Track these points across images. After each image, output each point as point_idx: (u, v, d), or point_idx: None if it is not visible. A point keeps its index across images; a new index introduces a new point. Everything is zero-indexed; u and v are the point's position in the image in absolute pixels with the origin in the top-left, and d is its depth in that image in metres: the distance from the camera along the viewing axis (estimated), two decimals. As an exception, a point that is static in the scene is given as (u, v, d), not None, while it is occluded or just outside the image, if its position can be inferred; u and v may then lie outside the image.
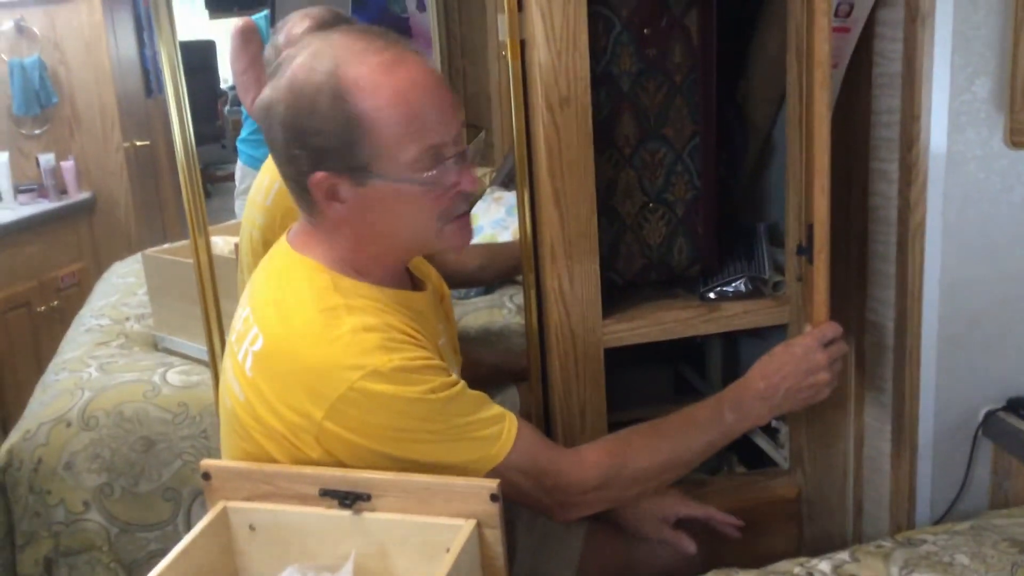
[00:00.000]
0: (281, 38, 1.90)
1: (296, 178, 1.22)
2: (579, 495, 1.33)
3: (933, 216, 1.62)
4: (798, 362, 1.45)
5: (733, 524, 1.60)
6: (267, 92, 1.21)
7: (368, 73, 1.16)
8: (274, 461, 1.21)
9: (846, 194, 1.77)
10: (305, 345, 1.17)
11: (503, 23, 1.72)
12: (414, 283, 1.39)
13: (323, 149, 1.18)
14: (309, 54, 1.19)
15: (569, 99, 1.66)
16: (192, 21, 6.02)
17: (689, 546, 1.53)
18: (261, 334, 1.20)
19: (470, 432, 1.23)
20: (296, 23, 1.92)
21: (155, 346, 2.47)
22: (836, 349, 1.48)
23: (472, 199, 1.29)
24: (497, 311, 2.45)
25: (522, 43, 1.71)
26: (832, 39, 1.45)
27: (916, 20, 1.56)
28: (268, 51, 1.93)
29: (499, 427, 1.25)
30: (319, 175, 1.19)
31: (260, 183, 2.06)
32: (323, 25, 1.88)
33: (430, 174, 1.20)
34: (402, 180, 1.19)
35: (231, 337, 1.26)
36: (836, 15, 1.54)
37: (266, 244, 1.96)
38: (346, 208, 1.22)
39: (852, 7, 1.54)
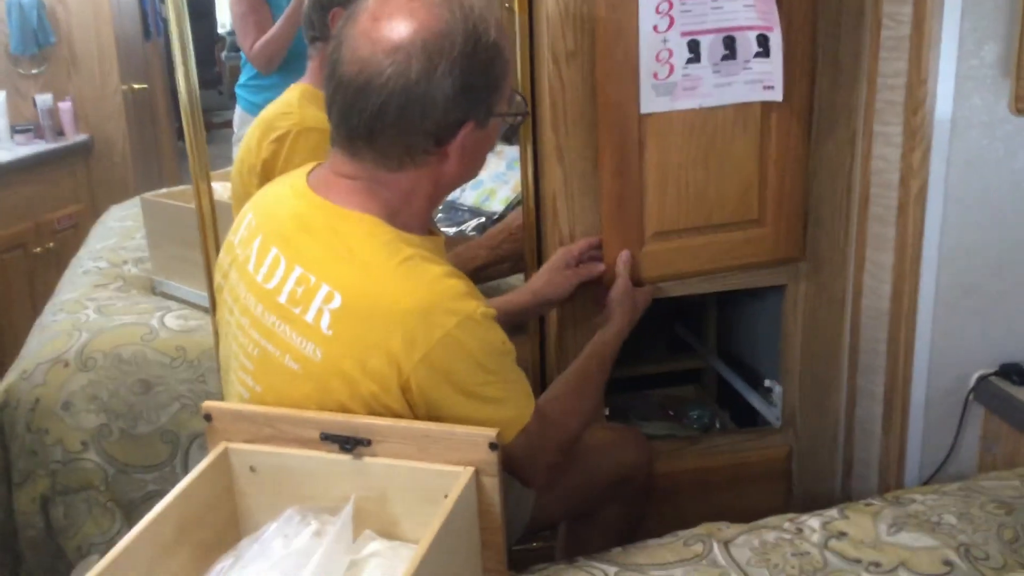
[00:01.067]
0: None
1: (426, 137, 1.19)
2: (562, 453, 1.38)
3: (935, 181, 1.63)
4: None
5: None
6: (393, 55, 1.15)
7: (497, 19, 1.21)
8: (348, 411, 1.20)
9: (849, 157, 1.77)
10: (395, 294, 1.15)
11: (511, -26, 1.71)
12: (433, 228, 1.40)
13: (483, 100, 1.20)
14: (448, 8, 1.16)
15: (575, 53, 1.65)
16: (191, -36, 5.93)
17: (598, 267, 1.72)
18: (337, 291, 1.16)
19: (523, 385, 1.26)
20: None
21: (152, 290, 2.48)
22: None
23: None
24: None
25: (529, -5, 1.70)
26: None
27: (926, -17, 1.55)
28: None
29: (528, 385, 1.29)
30: (468, 126, 1.20)
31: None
32: None
33: (517, 105, 1.29)
34: (505, 117, 1.26)
35: (277, 298, 1.21)
36: None
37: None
38: (455, 158, 1.22)
39: None
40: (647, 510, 1.75)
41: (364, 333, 1.15)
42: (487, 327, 1.19)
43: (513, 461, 1.27)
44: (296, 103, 1.90)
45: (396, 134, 1.18)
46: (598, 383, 1.56)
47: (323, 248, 1.21)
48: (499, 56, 1.20)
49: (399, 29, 1.14)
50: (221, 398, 1.63)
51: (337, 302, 1.16)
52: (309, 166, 1.32)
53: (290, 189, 1.29)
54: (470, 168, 1.28)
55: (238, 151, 2.01)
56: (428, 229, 1.31)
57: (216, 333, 1.83)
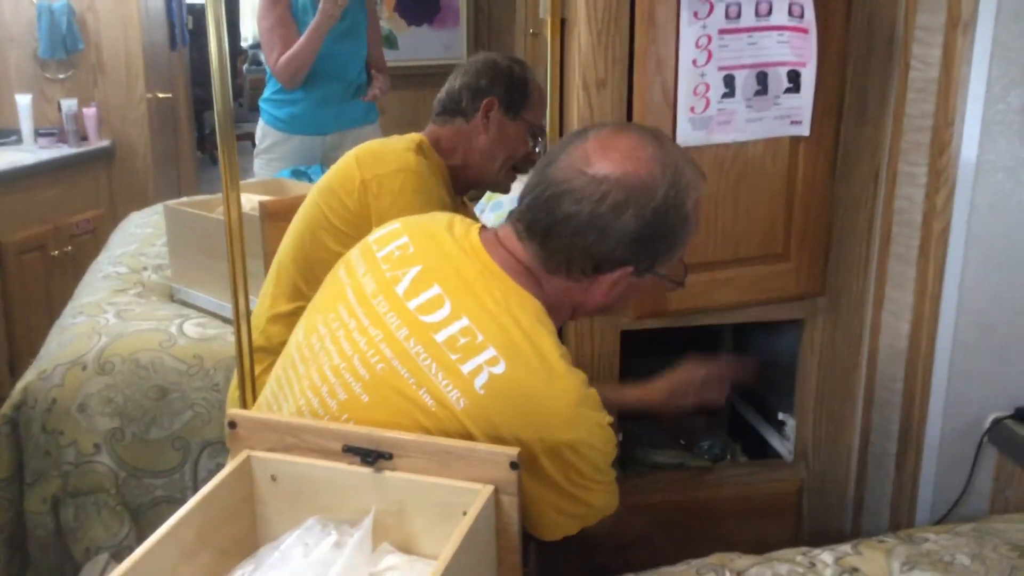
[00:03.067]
0: None
1: (588, 260, 1.28)
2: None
3: (958, 223, 1.64)
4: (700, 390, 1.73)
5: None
6: (599, 184, 1.25)
7: (699, 198, 1.31)
8: None
9: (872, 195, 1.79)
10: (554, 387, 1.23)
11: (544, 0, 1.74)
12: None
13: (648, 253, 1.29)
14: (658, 162, 1.27)
15: (606, 81, 1.67)
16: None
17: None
18: (504, 359, 1.22)
19: (614, 487, 1.35)
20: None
21: (171, 297, 2.49)
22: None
23: None
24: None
25: (562, 22, 1.73)
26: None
27: (957, 27, 1.57)
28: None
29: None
30: (627, 269, 1.29)
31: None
32: None
33: (680, 276, 1.38)
34: (666, 278, 1.35)
35: (433, 335, 1.25)
36: (790, 14, 1.57)
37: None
38: (603, 290, 1.31)
39: (803, 9, 1.57)
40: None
41: (511, 408, 1.21)
42: (611, 437, 1.28)
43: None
44: (413, 147, 1.83)
45: (566, 245, 1.28)
46: None
47: (494, 314, 1.27)
48: (684, 227, 1.29)
49: (615, 163, 1.25)
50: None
51: (500, 368, 1.22)
52: (474, 224, 1.39)
53: (461, 241, 1.35)
54: (611, 307, 1.37)
55: (329, 171, 1.90)
56: None
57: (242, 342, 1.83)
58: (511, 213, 1.34)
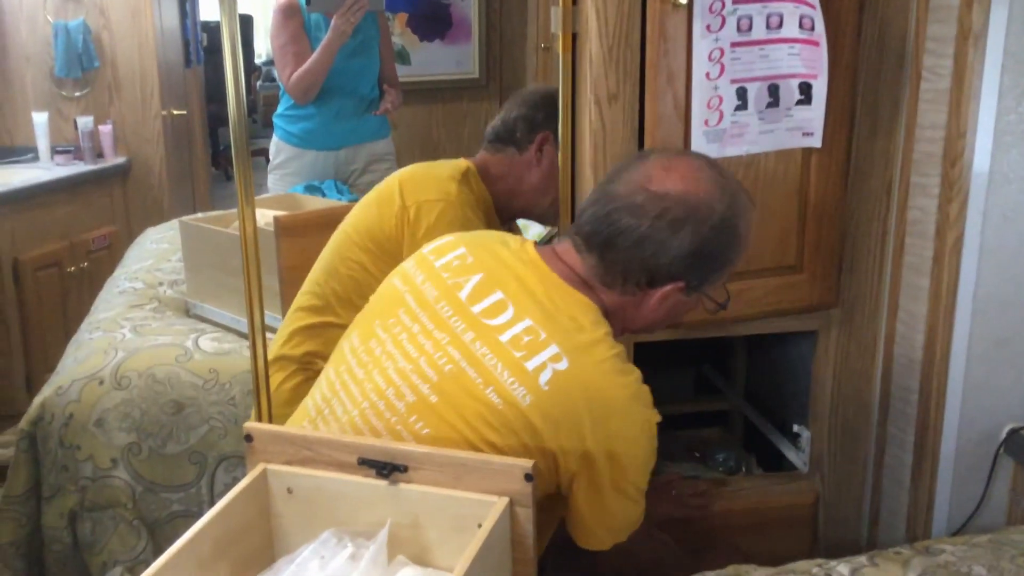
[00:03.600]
0: None
1: (650, 275, 1.34)
2: None
3: (971, 233, 1.64)
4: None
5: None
6: (663, 200, 1.32)
7: (751, 220, 1.39)
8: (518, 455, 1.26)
9: (885, 206, 1.79)
10: (611, 382, 1.29)
11: (556, 15, 1.74)
12: None
13: (701, 270, 1.35)
14: (720, 188, 1.34)
15: (617, 95, 1.68)
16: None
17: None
18: (566, 356, 1.28)
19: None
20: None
21: (187, 312, 2.51)
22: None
23: None
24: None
25: (573, 36, 1.73)
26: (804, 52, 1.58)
27: (968, 39, 1.58)
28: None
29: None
30: (679, 284, 1.35)
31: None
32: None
33: (725, 301, 1.45)
34: (711, 299, 1.42)
35: (498, 336, 1.30)
36: (801, 27, 1.58)
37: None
38: (654, 305, 1.38)
39: (814, 21, 1.58)
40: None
41: (574, 403, 1.27)
42: (655, 438, 1.33)
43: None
44: (459, 176, 1.82)
45: (623, 258, 1.34)
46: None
47: (555, 316, 1.33)
48: (736, 246, 1.36)
49: (676, 182, 1.32)
50: (249, 419, 1.65)
51: (564, 365, 1.27)
52: (528, 240, 1.46)
53: (517, 253, 1.41)
54: (658, 322, 1.43)
55: (372, 191, 1.89)
56: None
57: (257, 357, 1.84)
58: (570, 228, 1.42)
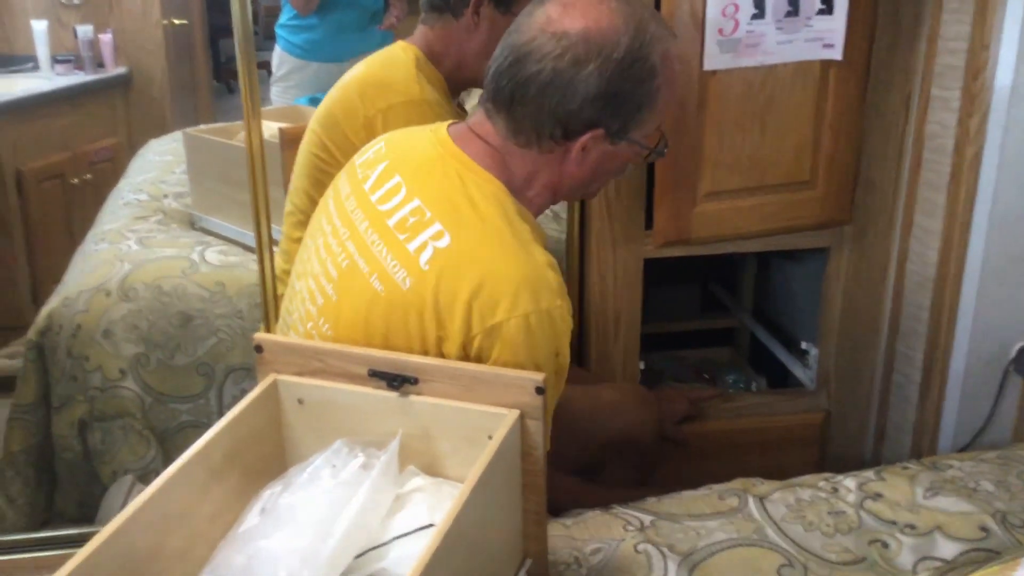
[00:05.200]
0: None
1: (561, 123, 1.24)
2: None
3: (990, 148, 1.61)
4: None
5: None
6: (560, 40, 1.21)
7: (674, 63, 1.26)
8: (396, 347, 1.23)
9: (903, 120, 1.75)
10: (500, 258, 1.20)
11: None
12: None
13: (618, 113, 1.23)
14: (622, 17, 1.21)
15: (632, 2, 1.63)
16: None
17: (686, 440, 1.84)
18: (448, 232, 1.20)
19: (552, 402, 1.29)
20: None
21: (192, 225, 2.49)
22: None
23: None
24: (533, 215, 2.46)
25: None
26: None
27: (996, -54, 1.52)
28: None
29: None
30: (596, 132, 1.24)
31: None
32: None
33: (658, 146, 1.32)
34: (640, 145, 1.28)
35: (387, 220, 1.25)
36: None
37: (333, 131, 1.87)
38: (583, 157, 1.26)
39: None
40: (655, 470, 1.75)
41: (456, 280, 1.18)
42: (558, 331, 1.22)
43: None
44: (415, 70, 1.76)
45: (532, 110, 1.24)
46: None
47: (447, 191, 1.25)
48: (651, 81, 1.24)
49: (575, 19, 1.21)
50: (259, 330, 1.65)
51: (445, 242, 1.20)
52: (445, 123, 1.36)
53: (430, 133, 1.33)
54: (589, 179, 1.32)
55: (330, 100, 1.84)
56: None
57: (264, 269, 1.84)
58: (481, 95, 1.31)
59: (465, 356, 1.21)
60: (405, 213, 1.25)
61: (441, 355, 1.21)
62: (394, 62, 1.79)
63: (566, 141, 1.25)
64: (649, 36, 1.23)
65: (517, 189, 1.28)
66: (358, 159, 1.39)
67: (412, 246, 1.21)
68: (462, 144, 1.29)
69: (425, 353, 1.21)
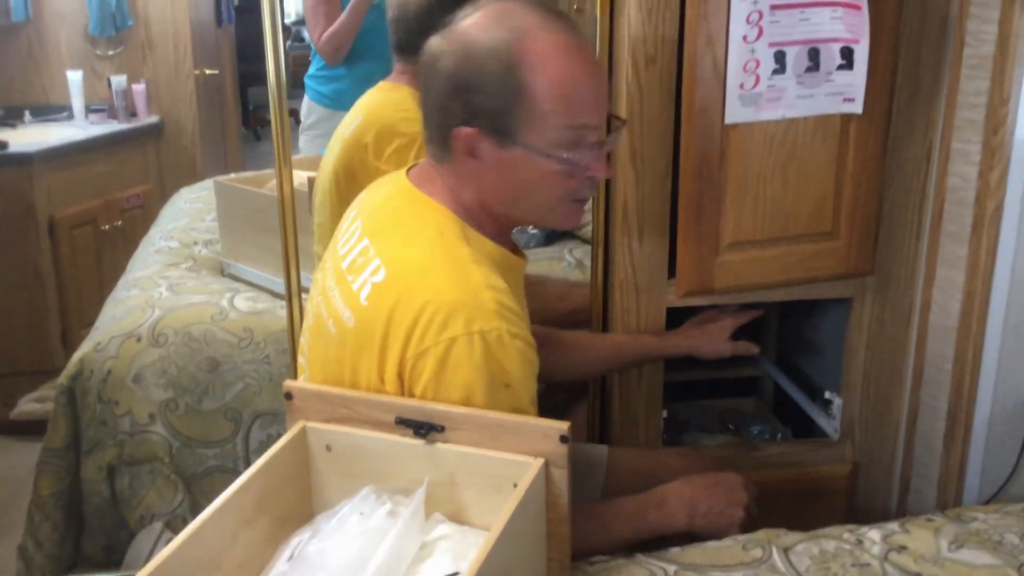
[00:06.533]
0: None
1: (441, 127, 1.26)
2: None
3: (1011, 202, 1.62)
4: (725, 490, 1.51)
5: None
6: (436, 41, 1.25)
7: (543, 50, 1.21)
8: (358, 386, 1.25)
9: (924, 173, 1.77)
10: (429, 284, 1.19)
11: (594, -23, 1.73)
12: (515, 248, 1.41)
13: (480, 107, 1.22)
14: (487, 16, 1.23)
15: (655, 59, 1.67)
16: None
17: (753, 348, 1.85)
18: (384, 266, 1.22)
19: None
20: None
21: (222, 271, 2.54)
22: (754, 496, 1.55)
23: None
24: (556, 263, 2.49)
25: (611, 0, 1.72)
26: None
27: (1014, 3, 1.55)
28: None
29: None
30: (467, 129, 1.23)
31: (345, 119, 2.10)
32: None
33: (569, 155, 1.24)
34: (543, 155, 1.23)
35: (342, 264, 1.30)
36: None
37: (346, 174, 1.98)
38: (480, 165, 1.26)
39: None
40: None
41: (392, 312, 1.19)
42: (497, 354, 1.18)
43: None
44: (413, 108, 1.75)
45: (428, 124, 1.29)
46: (609, 516, 1.45)
47: (392, 227, 1.29)
48: (510, 72, 1.20)
49: (468, 29, 1.23)
50: (285, 378, 1.68)
51: (380, 276, 1.22)
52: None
53: (394, 175, 1.38)
54: (512, 194, 1.28)
55: (340, 142, 2.04)
56: (509, 241, 1.36)
57: (292, 315, 1.89)
58: None
59: (400, 384, 1.21)
60: (355, 254, 1.28)
61: (385, 391, 1.23)
62: (393, 104, 1.96)
63: (447, 144, 1.26)
64: (510, 26, 1.21)
65: (467, 212, 1.29)
66: (349, 210, 1.43)
67: (356, 285, 1.24)
68: (416, 180, 1.33)
69: (381, 386, 1.23)
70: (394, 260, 1.23)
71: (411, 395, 1.21)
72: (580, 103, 1.23)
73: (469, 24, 1.23)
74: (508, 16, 1.23)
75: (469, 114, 1.23)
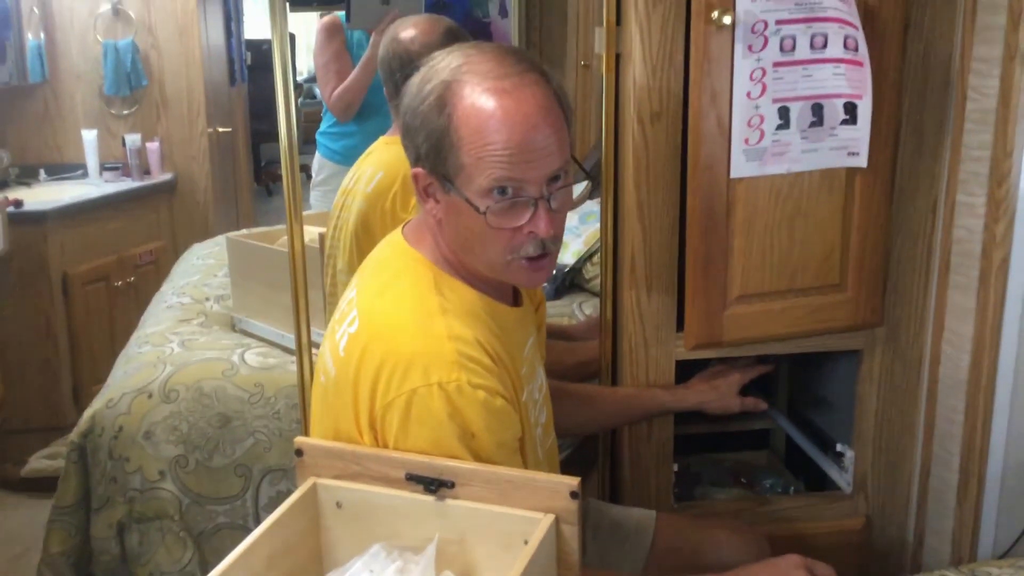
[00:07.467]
0: (408, 36, 1.97)
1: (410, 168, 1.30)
2: None
3: (1018, 253, 1.63)
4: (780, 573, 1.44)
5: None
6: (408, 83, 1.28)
7: (472, 92, 1.18)
8: (338, 438, 1.27)
9: (930, 225, 1.78)
10: (394, 335, 1.21)
11: (600, 36, 1.77)
12: (515, 294, 1.40)
13: (420, 148, 1.24)
14: (443, 57, 1.25)
15: (660, 114, 1.70)
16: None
17: (762, 405, 1.84)
18: (359, 318, 1.25)
19: None
20: (430, 29, 2.00)
21: (233, 327, 2.55)
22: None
23: (551, 243, 1.24)
24: (567, 320, 2.49)
25: (617, 57, 1.75)
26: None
27: (1015, 59, 1.57)
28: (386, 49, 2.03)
29: None
30: (418, 170, 1.26)
31: (359, 174, 2.12)
32: (452, 34, 1.96)
33: (491, 206, 1.19)
34: (470, 203, 1.20)
35: (336, 315, 1.33)
36: (845, 47, 1.57)
37: (366, 229, 2.01)
38: (438, 209, 1.27)
39: (857, 42, 1.57)
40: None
41: (363, 362, 1.22)
42: (458, 405, 1.18)
43: None
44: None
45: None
46: None
47: (373, 278, 1.31)
48: (439, 111, 1.19)
49: (421, 72, 1.26)
50: (295, 433, 1.69)
51: (355, 327, 1.25)
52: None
53: (396, 228, 1.41)
54: (463, 239, 1.24)
55: (363, 198, 2.07)
56: (504, 288, 1.34)
57: (302, 371, 1.90)
58: None
59: (374, 435, 1.22)
60: (344, 307, 1.31)
61: (363, 441, 1.25)
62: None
63: (416, 191, 1.28)
64: (454, 67, 1.20)
65: (447, 260, 1.29)
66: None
67: (337, 336, 1.28)
68: (410, 229, 1.35)
69: (360, 437, 1.24)
70: (366, 311, 1.26)
71: (385, 447, 1.23)
72: (499, 154, 1.17)
73: (425, 67, 1.26)
74: (458, 58, 1.22)
75: (416, 155, 1.26)
